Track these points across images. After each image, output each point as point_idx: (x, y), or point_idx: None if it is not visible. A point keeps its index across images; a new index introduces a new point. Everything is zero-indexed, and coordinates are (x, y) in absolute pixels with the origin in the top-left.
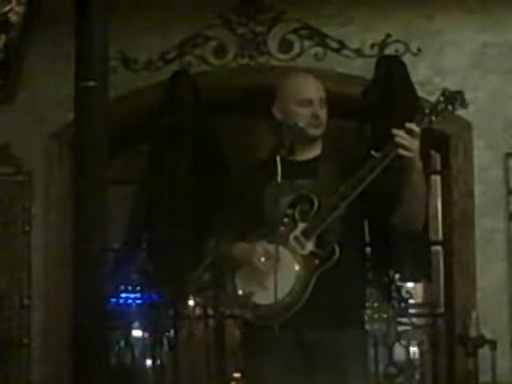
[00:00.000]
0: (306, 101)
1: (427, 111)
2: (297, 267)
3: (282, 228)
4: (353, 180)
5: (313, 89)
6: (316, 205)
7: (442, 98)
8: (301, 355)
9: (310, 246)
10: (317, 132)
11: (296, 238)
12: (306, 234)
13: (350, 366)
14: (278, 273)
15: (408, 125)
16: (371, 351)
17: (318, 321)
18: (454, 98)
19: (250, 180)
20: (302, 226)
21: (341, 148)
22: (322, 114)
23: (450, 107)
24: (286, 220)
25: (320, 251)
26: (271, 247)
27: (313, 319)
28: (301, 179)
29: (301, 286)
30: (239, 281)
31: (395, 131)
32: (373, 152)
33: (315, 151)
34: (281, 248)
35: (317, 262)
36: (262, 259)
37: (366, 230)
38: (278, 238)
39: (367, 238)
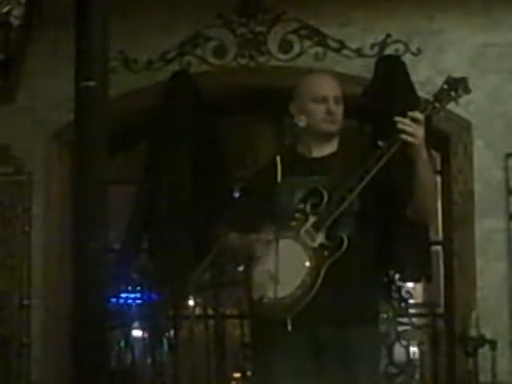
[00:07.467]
0: (320, 98)
1: (431, 99)
2: (307, 260)
3: (293, 223)
4: (360, 171)
5: (327, 86)
6: (325, 198)
7: (445, 86)
8: (313, 352)
9: (320, 239)
10: (332, 128)
11: (307, 231)
12: (316, 226)
13: (361, 364)
14: (289, 266)
15: (411, 113)
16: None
17: (330, 317)
18: (457, 84)
19: (265, 177)
20: (312, 219)
21: (355, 145)
22: (338, 111)
23: (453, 93)
24: (297, 215)
25: (329, 242)
26: (270, 235)
27: (325, 315)
28: (314, 176)
29: (311, 278)
30: (256, 274)
31: (398, 118)
32: (379, 142)
33: (331, 148)
34: (292, 242)
35: (326, 253)
36: (262, 246)
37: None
38: (289, 232)
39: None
